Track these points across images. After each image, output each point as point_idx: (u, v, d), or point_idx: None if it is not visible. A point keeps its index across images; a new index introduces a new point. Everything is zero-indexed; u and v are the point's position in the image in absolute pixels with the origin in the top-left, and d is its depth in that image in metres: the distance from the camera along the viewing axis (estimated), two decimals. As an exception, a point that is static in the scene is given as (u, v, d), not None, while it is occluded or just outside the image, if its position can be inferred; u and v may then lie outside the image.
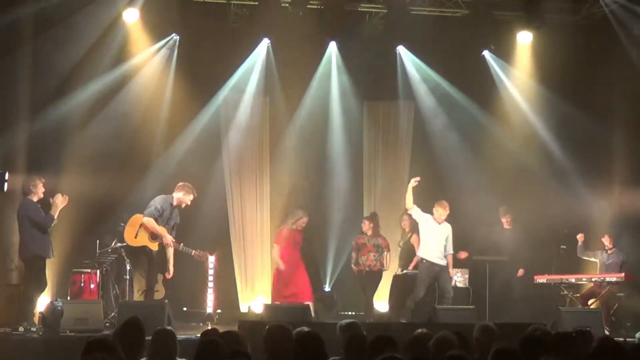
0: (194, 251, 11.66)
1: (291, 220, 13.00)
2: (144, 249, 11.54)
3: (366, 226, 13.08)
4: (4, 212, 12.20)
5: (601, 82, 13.90)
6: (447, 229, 12.19)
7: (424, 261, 12.16)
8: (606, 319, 11.57)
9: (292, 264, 12.85)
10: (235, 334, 6.63)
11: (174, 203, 11.60)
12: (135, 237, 11.53)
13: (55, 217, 11.06)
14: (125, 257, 12.11)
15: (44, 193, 11.10)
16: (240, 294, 14.30)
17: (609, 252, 13.10)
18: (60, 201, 11.04)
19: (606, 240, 13.14)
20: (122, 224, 11.84)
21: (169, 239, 11.43)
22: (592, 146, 14.10)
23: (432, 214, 12.21)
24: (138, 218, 11.54)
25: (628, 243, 13.41)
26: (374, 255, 12.83)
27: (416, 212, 12.22)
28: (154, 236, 11.48)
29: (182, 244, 11.60)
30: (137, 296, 11.86)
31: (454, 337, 6.30)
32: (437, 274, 12.08)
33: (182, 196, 11.61)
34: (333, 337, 6.77)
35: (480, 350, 6.60)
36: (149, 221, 11.41)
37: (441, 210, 12.16)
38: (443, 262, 12.11)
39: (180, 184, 11.72)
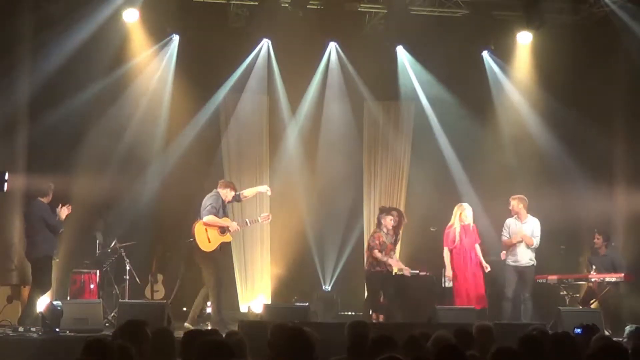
0: (259, 218, 12.58)
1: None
2: (218, 249, 11.78)
3: (389, 222, 12.46)
4: (3, 212, 12.21)
5: (601, 82, 13.88)
6: None
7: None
8: (606, 320, 11.54)
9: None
10: (235, 334, 6.65)
11: (222, 199, 11.87)
12: (210, 242, 11.70)
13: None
14: (201, 266, 11.94)
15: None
16: (240, 294, 14.30)
17: (601, 252, 12.97)
18: (64, 213, 11.21)
19: (597, 239, 12.97)
20: (191, 239, 11.85)
21: (234, 225, 11.88)
22: (592, 147, 14.07)
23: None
24: (200, 225, 11.70)
25: (628, 243, 13.41)
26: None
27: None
28: (222, 231, 11.74)
29: (246, 220, 12.36)
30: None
31: (451, 336, 6.31)
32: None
33: (225, 192, 11.92)
34: (333, 337, 6.76)
35: (479, 349, 6.60)
36: (212, 219, 11.66)
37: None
38: None
39: (221, 181, 12.16)
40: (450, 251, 12.37)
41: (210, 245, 11.68)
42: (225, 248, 12.14)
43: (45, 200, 11.27)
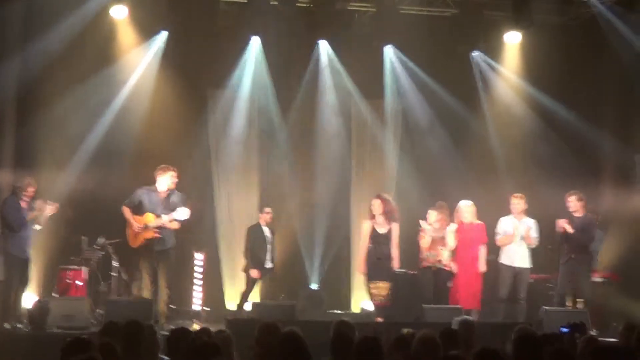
0: (175, 214, 11.47)
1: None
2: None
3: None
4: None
5: (589, 82, 14.00)
6: None
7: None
8: (592, 320, 11.58)
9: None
10: (222, 332, 6.66)
11: (156, 189, 11.60)
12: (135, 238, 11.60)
13: (41, 223, 11.28)
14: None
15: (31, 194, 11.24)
16: (227, 292, 14.29)
17: (577, 215, 12.31)
18: (47, 210, 11.17)
19: (570, 202, 12.32)
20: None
21: (134, 224, 11.46)
22: (580, 145, 14.15)
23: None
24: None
25: (615, 241, 13.45)
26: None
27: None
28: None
29: (163, 216, 11.47)
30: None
31: (436, 335, 6.33)
32: None
33: (159, 179, 11.63)
34: (321, 335, 6.76)
35: (463, 344, 6.66)
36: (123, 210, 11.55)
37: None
38: None
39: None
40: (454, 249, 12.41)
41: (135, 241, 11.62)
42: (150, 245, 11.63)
43: (17, 196, 11.17)
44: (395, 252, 11.95)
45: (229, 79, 14.32)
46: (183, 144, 13.69)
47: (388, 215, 11.98)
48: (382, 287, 11.84)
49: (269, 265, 12.92)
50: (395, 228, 12.02)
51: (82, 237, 12.82)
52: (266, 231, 12.96)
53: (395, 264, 12.01)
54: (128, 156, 13.35)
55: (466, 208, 12.46)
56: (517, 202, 12.41)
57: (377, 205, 12.03)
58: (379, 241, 11.97)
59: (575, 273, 12.21)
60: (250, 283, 12.83)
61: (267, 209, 13.11)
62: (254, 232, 12.94)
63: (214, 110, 14.54)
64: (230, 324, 9.82)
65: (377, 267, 11.91)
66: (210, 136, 14.53)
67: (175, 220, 11.47)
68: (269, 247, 12.91)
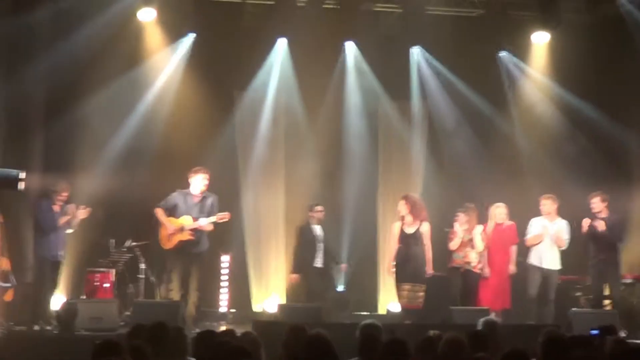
0: (215, 217, 11.69)
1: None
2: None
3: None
4: (20, 211, 12.27)
5: (618, 82, 13.86)
6: None
7: None
8: (622, 321, 11.48)
9: None
10: (249, 334, 6.66)
11: (190, 192, 11.69)
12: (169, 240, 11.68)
13: (73, 227, 11.51)
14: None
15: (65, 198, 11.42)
16: (254, 294, 14.30)
17: (601, 215, 12.23)
18: (79, 213, 11.38)
19: (594, 204, 12.30)
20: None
21: (169, 226, 11.54)
22: (609, 146, 14.05)
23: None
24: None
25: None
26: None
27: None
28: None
29: (200, 219, 11.62)
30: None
31: (462, 337, 6.29)
32: None
33: (192, 181, 11.74)
34: (347, 338, 6.75)
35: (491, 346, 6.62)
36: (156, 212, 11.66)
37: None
38: None
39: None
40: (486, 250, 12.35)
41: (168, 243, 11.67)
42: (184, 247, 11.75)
43: (52, 200, 11.34)
44: (428, 254, 11.92)
45: (255, 81, 14.32)
46: (209, 146, 13.70)
47: (415, 215, 11.94)
48: (417, 290, 11.79)
49: (318, 264, 12.80)
50: (425, 227, 11.96)
51: (110, 240, 12.89)
52: (317, 230, 12.86)
53: (428, 268, 11.93)
54: (155, 158, 13.39)
55: (499, 209, 12.42)
56: (546, 203, 12.34)
57: (402, 206, 12.03)
58: (407, 242, 11.94)
59: (605, 274, 12.11)
60: (301, 285, 12.70)
61: (319, 207, 13.01)
62: (304, 232, 12.84)
63: (240, 111, 14.55)
64: (256, 325, 9.81)
65: (404, 269, 11.88)
66: (236, 137, 14.54)
67: (213, 223, 11.57)
68: (320, 245, 12.78)
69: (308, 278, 12.92)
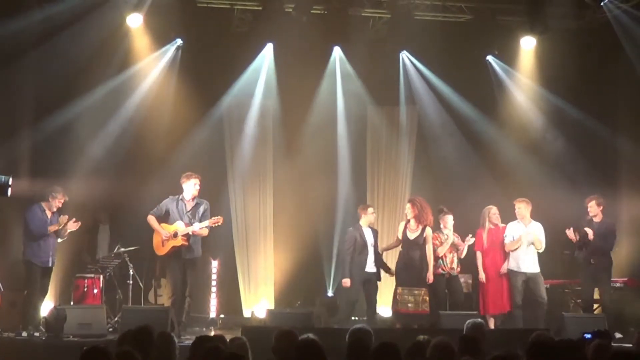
0: (208, 222, 11.52)
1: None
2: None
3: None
4: (8, 216, 12.25)
5: (605, 87, 13.93)
6: None
7: None
8: (610, 325, 11.49)
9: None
10: (238, 339, 6.65)
11: (182, 197, 11.61)
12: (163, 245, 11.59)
13: (62, 236, 11.48)
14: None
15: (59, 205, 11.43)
16: (243, 299, 14.29)
17: (596, 220, 12.28)
18: (70, 225, 11.38)
19: (590, 207, 12.27)
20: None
21: (162, 232, 11.44)
22: (597, 150, 14.11)
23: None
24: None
25: (632, 247, 13.38)
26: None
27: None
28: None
29: (193, 225, 11.48)
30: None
31: (451, 341, 6.29)
32: None
33: (184, 186, 11.65)
34: (337, 342, 6.75)
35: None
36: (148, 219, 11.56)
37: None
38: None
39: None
40: (481, 254, 12.34)
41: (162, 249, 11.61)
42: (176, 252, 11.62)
43: (46, 205, 11.31)
44: (429, 258, 11.88)
45: (243, 86, 14.32)
46: (197, 151, 13.70)
47: (419, 220, 11.94)
48: (422, 295, 11.79)
49: (371, 269, 12.05)
50: (429, 232, 11.96)
51: (98, 246, 12.88)
52: (368, 233, 12.27)
53: (428, 276, 11.84)
54: (141, 163, 13.39)
55: (496, 212, 12.39)
56: (520, 207, 12.31)
57: (408, 209, 12.05)
58: (408, 246, 11.95)
59: (596, 278, 12.14)
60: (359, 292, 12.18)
61: (371, 209, 12.42)
62: (354, 235, 12.13)
63: (228, 116, 14.56)
64: (246, 331, 9.80)
65: (403, 273, 11.88)
66: (224, 142, 14.54)
67: (206, 227, 11.53)
68: (371, 249, 12.08)
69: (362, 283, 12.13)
